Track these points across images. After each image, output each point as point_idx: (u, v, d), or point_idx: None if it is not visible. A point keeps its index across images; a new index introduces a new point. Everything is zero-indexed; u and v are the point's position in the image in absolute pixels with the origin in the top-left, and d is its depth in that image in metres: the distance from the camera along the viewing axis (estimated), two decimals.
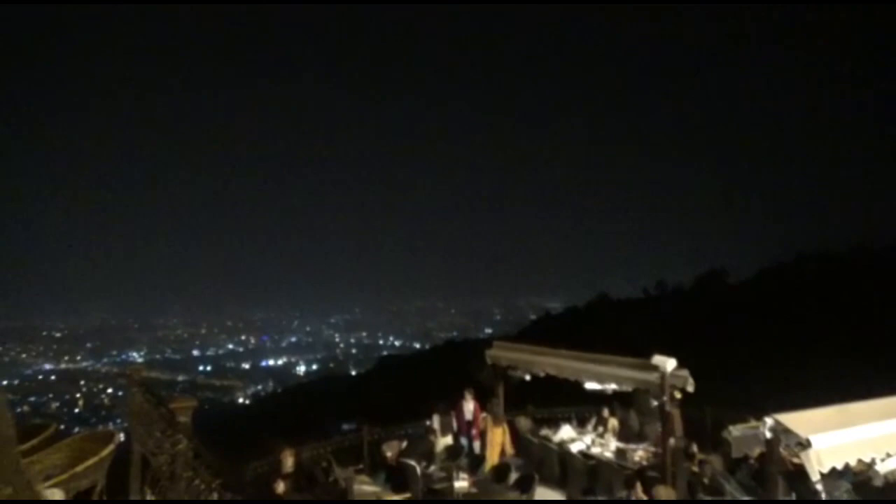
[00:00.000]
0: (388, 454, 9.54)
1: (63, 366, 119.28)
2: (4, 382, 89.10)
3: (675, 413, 7.99)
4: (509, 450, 11.00)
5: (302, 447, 9.75)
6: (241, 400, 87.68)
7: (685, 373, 7.87)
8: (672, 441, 7.92)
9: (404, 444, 9.90)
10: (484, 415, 11.10)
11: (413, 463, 8.95)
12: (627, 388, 8.78)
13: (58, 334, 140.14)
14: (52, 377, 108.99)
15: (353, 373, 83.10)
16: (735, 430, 8.87)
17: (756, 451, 8.30)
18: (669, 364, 7.85)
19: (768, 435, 6.99)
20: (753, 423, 8.67)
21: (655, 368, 7.90)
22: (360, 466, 10.30)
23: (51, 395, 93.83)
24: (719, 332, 31.70)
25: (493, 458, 10.40)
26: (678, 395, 7.84)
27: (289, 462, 8.29)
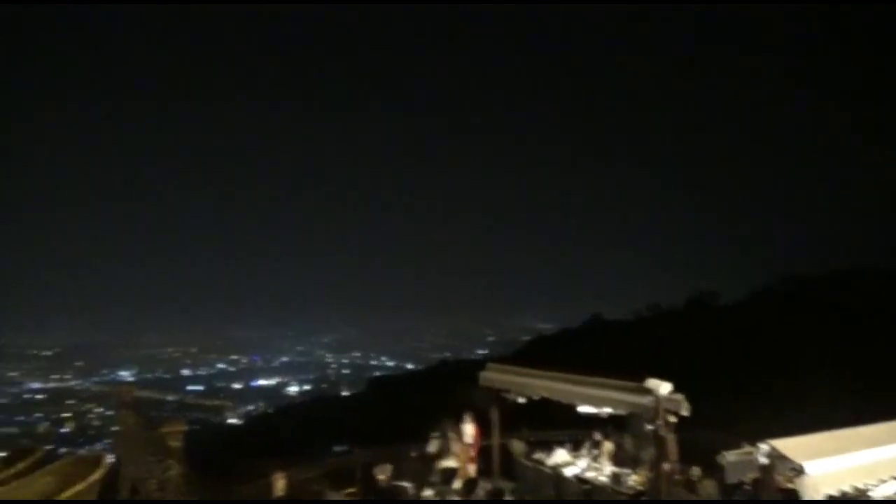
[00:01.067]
0: (381, 477, 9.42)
1: (51, 384, 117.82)
2: None
3: (670, 437, 7.96)
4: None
5: (293, 470, 9.65)
6: (231, 420, 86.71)
7: (680, 397, 7.84)
8: (666, 465, 7.89)
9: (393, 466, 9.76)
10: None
11: (406, 485, 8.85)
12: (622, 411, 8.74)
13: (47, 352, 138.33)
14: (39, 396, 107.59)
15: (346, 393, 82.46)
16: (729, 456, 8.81)
17: (750, 476, 8.26)
18: (664, 388, 7.84)
19: (763, 461, 7.00)
20: (748, 448, 8.64)
21: (649, 392, 7.88)
22: (353, 490, 10.18)
23: (39, 415, 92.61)
24: (712, 355, 31.66)
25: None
26: (672, 419, 7.83)
27: (280, 485, 8.19)
